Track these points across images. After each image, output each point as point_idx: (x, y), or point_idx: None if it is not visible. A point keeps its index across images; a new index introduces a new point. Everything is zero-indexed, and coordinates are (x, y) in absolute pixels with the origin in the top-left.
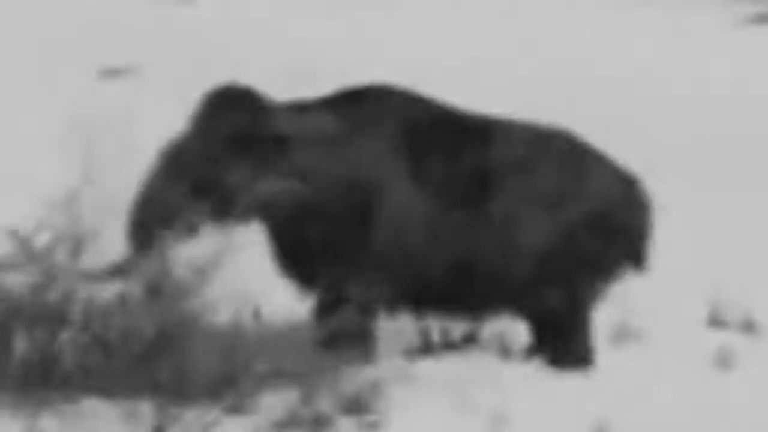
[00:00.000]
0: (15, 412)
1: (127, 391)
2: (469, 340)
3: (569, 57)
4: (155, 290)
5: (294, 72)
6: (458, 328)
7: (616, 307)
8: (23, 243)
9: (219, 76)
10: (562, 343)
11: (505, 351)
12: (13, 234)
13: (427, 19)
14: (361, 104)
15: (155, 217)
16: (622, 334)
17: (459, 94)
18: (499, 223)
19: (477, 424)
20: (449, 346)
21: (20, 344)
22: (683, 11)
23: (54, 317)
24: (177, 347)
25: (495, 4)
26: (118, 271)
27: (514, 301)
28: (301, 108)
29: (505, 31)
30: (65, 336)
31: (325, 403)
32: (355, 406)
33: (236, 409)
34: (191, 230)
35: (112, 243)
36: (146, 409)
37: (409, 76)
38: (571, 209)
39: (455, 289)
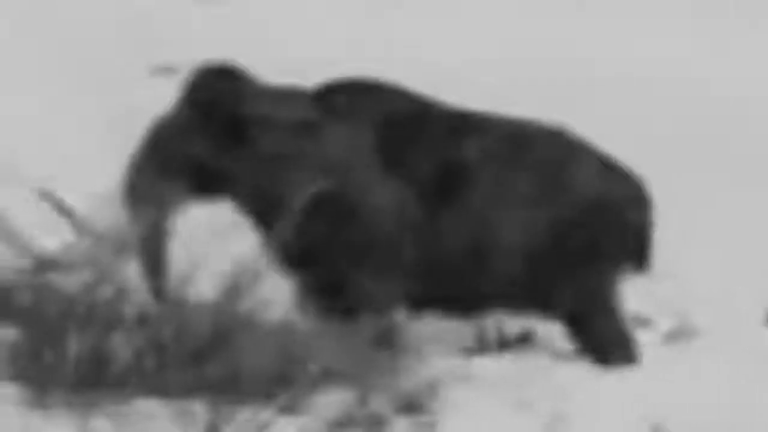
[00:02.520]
0: (67, 412)
1: (180, 390)
2: (525, 339)
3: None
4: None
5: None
6: (514, 327)
7: (671, 306)
8: (58, 205)
9: (268, 73)
10: (596, 342)
11: (560, 350)
12: (47, 195)
13: (441, 18)
14: (340, 95)
15: (136, 193)
16: (678, 334)
17: (480, 95)
18: (474, 220)
19: (533, 423)
20: (505, 345)
21: (72, 344)
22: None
23: (107, 317)
24: (231, 347)
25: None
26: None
27: (512, 300)
28: (284, 93)
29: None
30: (118, 336)
31: (380, 403)
32: (411, 407)
33: (290, 409)
34: (169, 207)
35: None
36: (199, 409)
37: (420, 76)
38: (556, 206)
39: (432, 287)
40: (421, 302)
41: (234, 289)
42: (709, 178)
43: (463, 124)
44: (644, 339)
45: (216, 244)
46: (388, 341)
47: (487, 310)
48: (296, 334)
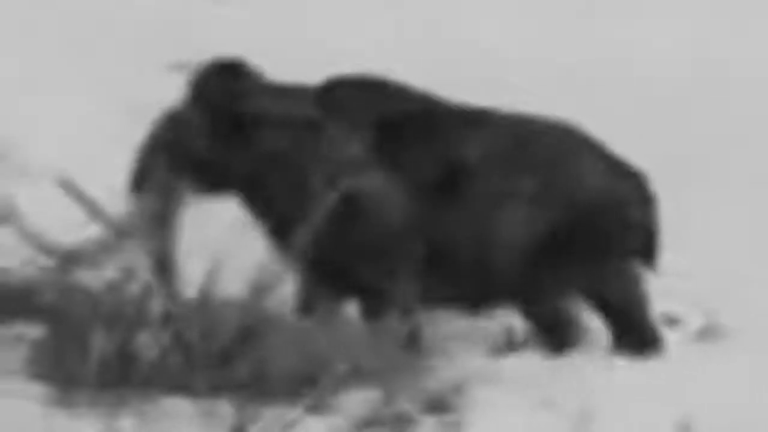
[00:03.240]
0: (92, 411)
1: (206, 390)
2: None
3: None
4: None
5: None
6: None
7: (701, 305)
8: (78, 195)
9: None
10: (623, 333)
11: (588, 347)
12: (67, 186)
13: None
14: (341, 92)
15: (141, 185)
16: (707, 332)
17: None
18: (476, 219)
19: (561, 422)
20: (533, 344)
21: (97, 343)
22: None
23: (132, 315)
24: (257, 346)
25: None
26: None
27: (516, 298)
28: (288, 90)
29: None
30: (144, 335)
31: (406, 403)
32: (438, 406)
33: (317, 409)
34: (174, 200)
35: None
36: (225, 408)
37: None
38: (559, 204)
39: (437, 285)
40: (428, 299)
41: (260, 288)
42: (739, 174)
43: (466, 122)
44: (673, 337)
45: (241, 242)
46: (412, 341)
47: (493, 307)
48: (323, 333)
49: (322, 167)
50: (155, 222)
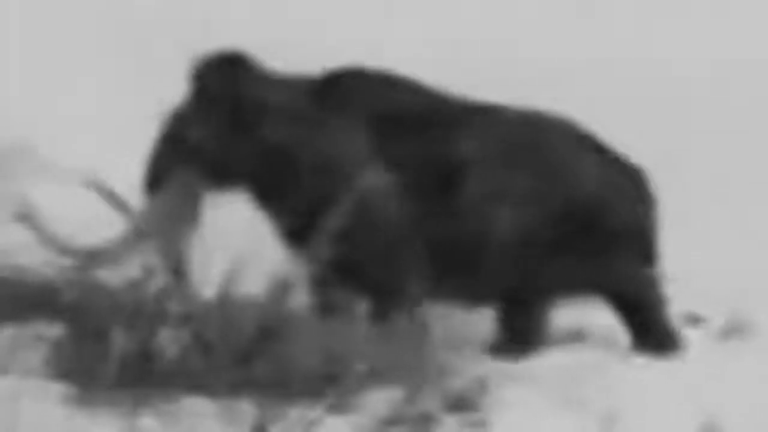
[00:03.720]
0: (112, 410)
1: (227, 389)
2: (577, 336)
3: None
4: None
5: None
6: (565, 323)
7: (724, 303)
8: (108, 195)
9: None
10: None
11: (612, 346)
12: (96, 186)
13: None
14: (337, 85)
15: (152, 180)
16: (731, 331)
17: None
18: (471, 215)
19: (585, 421)
20: (556, 342)
21: (118, 342)
22: None
23: (152, 314)
24: (278, 345)
25: None
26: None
27: (513, 292)
28: (290, 82)
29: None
30: (164, 333)
31: (429, 402)
32: (461, 404)
33: (339, 408)
34: (184, 194)
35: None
36: (247, 407)
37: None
38: (555, 201)
39: (437, 280)
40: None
41: (281, 287)
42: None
43: (467, 118)
44: (697, 336)
45: (261, 241)
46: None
47: (489, 303)
48: (344, 332)
49: (325, 161)
50: (170, 220)
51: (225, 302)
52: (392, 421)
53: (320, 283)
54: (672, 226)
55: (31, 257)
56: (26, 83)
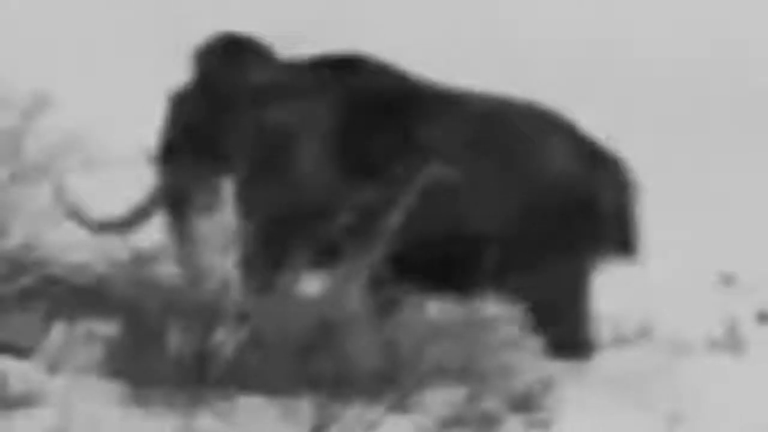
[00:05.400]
0: (169, 409)
1: (285, 388)
2: (642, 335)
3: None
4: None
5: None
6: (630, 323)
7: None
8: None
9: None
10: (555, 329)
11: (680, 346)
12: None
13: None
14: (321, 67)
15: (159, 161)
16: None
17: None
18: (436, 203)
19: (651, 421)
20: (621, 341)
21: (174, 340)
22: None
23: (209, 312)
24: (337, 343)
25: None
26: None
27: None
28: (282, 66)
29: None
30: (221, 332)
31: (492, 401)
32: (524, 404)
33: (399, 408)
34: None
35: None
36: (306, 407)
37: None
38: (526, 189)
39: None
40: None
41: (340, 284)
42: None
43: (437, 104)
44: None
45: None
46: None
47: (471, 293)
48: (405, 331)
49: (277, 132)
50: (174, 195)
51: (284, 299)
52: (454, 421)
53: (380, 281)
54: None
55: (84, 254)
56: (77, 77)
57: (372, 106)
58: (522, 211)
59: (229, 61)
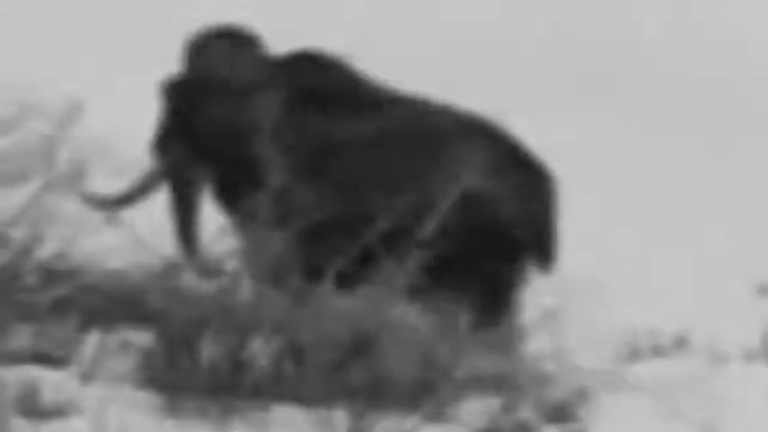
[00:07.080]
0: (203, 419)
1: (320, 397)
2: (679, 344)
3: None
4: None
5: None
6: (667, 332)
7: None
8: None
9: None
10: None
11: (716, 356)
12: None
13: None
14: (283, 64)
15: (155, 150)
16: None
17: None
18: (348, 202)
19: (686, 431)
20: (658, 351)
21: (208, 349)
22: None
23: (243, 321)
24: (373, 353)
25: None
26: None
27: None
28: (259, 61)
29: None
30: (255, 341)
31: (527, 411)
32: (560, 414)
33: (435, 417)
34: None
35: None
36: (341, 416)
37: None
38: (435, 192)
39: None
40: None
41: (375, 294)
42: None
43: (365, 103)
44: None
45: None
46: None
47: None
48: (440, 340)
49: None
50: (174, 185)
51: (319, 309)
52: (490, 431)
53: (417, 290)
54: None
55: (118, 263)
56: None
57: (305, 103)
58: (429, 215)
59: (213, 53)
